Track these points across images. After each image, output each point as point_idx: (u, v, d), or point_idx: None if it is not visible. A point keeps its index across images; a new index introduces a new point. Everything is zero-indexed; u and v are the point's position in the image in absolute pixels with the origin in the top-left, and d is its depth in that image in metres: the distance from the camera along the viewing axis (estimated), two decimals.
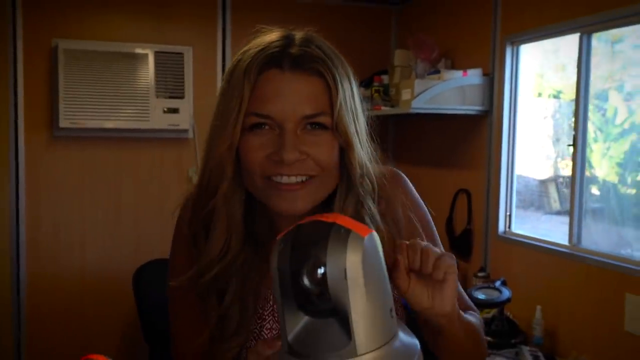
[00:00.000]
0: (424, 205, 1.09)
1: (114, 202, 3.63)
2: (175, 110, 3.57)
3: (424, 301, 0.85)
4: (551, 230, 3.19)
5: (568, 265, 2.73)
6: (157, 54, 3.52)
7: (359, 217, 0.94)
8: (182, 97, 3.59)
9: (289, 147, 0.85)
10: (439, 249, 0.94)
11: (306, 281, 0.65)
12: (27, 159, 3.45)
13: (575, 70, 2.76)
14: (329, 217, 0.67)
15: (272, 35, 0.92)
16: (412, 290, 0.85)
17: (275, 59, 0.87)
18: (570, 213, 2.80)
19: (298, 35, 0.92)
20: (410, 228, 1.02)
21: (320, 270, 0.64)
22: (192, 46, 3.65)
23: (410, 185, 1.09)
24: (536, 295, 2.86)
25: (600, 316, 2.57)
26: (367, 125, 0.97)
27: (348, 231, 0.64)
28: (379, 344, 0.65)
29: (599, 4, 2.58)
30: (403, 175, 1.09)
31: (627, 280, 2.43)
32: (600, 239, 2.76)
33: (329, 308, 0.65)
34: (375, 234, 0.67)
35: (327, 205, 0.95)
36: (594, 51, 2.73)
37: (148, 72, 3.50)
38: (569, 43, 2.89)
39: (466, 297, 1.10)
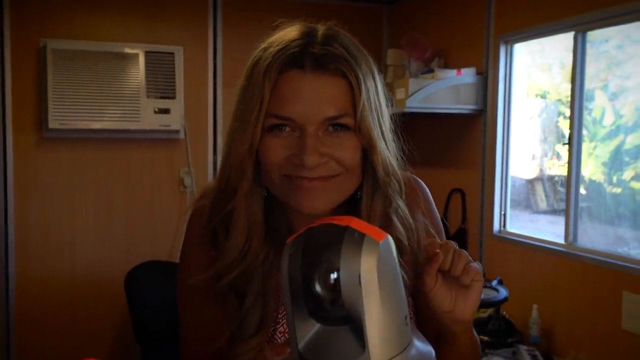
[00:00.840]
0: (439, 218, 1.08)
1: (105, 203, 3.59)
2: (166, 111, 3.53)
3: (445, 304, 0.84)
4: (539, 229, 3.19)
5: (564, 264, 2.73)
6: (147, 54, 3.48)
7: (387, 217, 0.92)
8: (173, 98, 3.55)
9: (310, 151, 0.82)
10: None
11: (318, 287, 0.62)
12: (16, 161, 3.39)
13: (561, 70, 2.77)
14: (342, 220, 0.63)
15: (293, 32, 0.88)
16: (437, 290, 0.83)
17: (297, 59, 0.84)
18: (565, 212, 2.80)
19: (320, 31, 0.88)
20: (428, 237, 1.00)
21: (333, 276, 0.61)
22: (183, 46, 3.61)
23: (429, 194, 1.07)
24: (532, 294, 2.86)
25: (597, 315, 2.56)
26: (392, 122, 0.94)
27: (362, 235, 0.61)
28: (393, 353, 0.62)
29: (593, 2, 2.58)
30: (422, 183, 1.07)
31: (624, 278, 2.43)
32: (592, 237, 2.77)
33: (342, 315, 0.62)
34: (390, 238, 0.64)
35: (353, 205, 0.93)
36: (586, 49, 2.73)
37: (138, 72, 3.46)
38: (555, 43, 2.90)
39: None
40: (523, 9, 2.96)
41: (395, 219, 0.93)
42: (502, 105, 3.14)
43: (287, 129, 0.85)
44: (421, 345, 0.69)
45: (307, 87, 0.83)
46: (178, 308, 1.05)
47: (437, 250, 0.83)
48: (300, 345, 0.64)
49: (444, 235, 1.07)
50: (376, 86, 0.88)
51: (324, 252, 0.62)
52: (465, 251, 0.85)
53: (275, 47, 0.85)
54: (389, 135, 0.91)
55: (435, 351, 0.89)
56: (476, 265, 0.83)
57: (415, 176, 1.05)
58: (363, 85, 0.83)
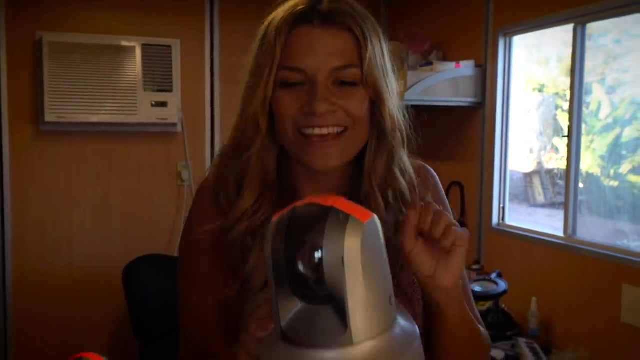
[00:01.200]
0: (449, 207, 1.09)
1: (102, 197, 3.57)
2: (163, 104, 3.51)
3: (425, 269, 0.82)
4: (537, 222, 3.20)
5: (563, 257, 2.73)
6: (144, 47, 3.46)
7: (390, 170, 0.95)
8: (170, 91, 3.53)
9: (320, 97, 0.86)
10: None
11: (301, 267, 0.62)
12: (12, 154, 3.37)
13: (559, 64, 2.77)
14: (327, 201, 0.63)
15: None
16: (416, 254, 0.81)
17: (306, 16, 0.89)
18: (565, 204, 2.80)
19: None
20: None
21: (317, 255, 0.61)
22: (180, 39, 3.59)
23: (439, 182, 1.08)
24: (531, 287, 2.86)
25: (597, 307, 2.56)
26: (398, 87, 0.98)
27: (347, 216, 0.61)
28: (376, 332, 0.62)
29: None
30: (432, 170, 1.09)
31: (624, 271, 2.43)
32: (592, 230, 2.77)
33: (325, 295, 0.62)
34: (376, 218, 0.64)
35: (358, 161, 0.96)
36: (586, 42, 2.73)
37: (135, 65, 3.44)
38: (552, 37, 2.90)
39: (476, 311, 1.06)
40: (522, 1, 2.95)
41: (397, 172, 0.96)
42: (501, 98, 3.14)
43: (298, 85, 0.89)
44: (405, 324, 0.67)
45: (316, 40, 0.88)
46: (178, 285, 1.05)
47: (412, 210, 0.82)
48: (283, 323, 0.64)
49: None
50: (382, 48, 0.92)
51: (307, 233, 0.62)
52: (448, 214, 0.82)
53: (285, 10, 0.91)
54: (395, 95, 0.94)
55: (433, 336, 0.88)
56: (460, 229, 0.81)
57: (426, 164, 1.07)
58: (369, 41, 0.88)
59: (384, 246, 0.65)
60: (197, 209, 1.03)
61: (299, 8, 0.89)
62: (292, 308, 0.65)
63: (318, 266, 0.61)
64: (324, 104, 0.86)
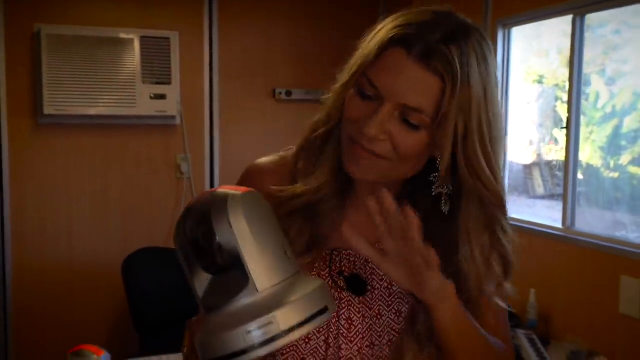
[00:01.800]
0: None
1: (101, 190, 3.57)
2: (162, 97, 3.51)
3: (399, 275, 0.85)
4: (537, 214, 3.20)
5: (562, 249, 2.73)
6: (142, 39, 3.45)
7: (492, 235, 0.92)
8: (169, 83, 3.53)
9: (375, 121, 0.85)
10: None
11: (202, 243, 0.72)
12: (11, 147, 3.37)
13: (559, 55, 2.77)
14: (215, 188, 0.77)
15: (424, 15, 0.88)
16: (388, 260, 0.84)
17: (409, 41, 0.85)
18: (563, 196, 2.80)
19: (452, 25, 0.87)
20: None
21: (210, 229, 0.71)
22: (179, 31, 3.58)
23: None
24: (530, 278, 2.86)
25: (595, 299, 2.57)
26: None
27: (226, 193, 0.73)
28: (277, 280, 0.71)
29: None
30: None
31: (622, 262, 2.43)
32: (590, 221, 2.77)
33: (229, 262, 0.71)
34: (256, 192, 0.76)
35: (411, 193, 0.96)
36: (585, 33, 2.73)
37: (134, 57, 3.43)
38: (552, 28, 2.89)
39: (505, 331, 1.04)
40: None
41: (502, 239, 0.92)
42: (500, 89, 3.13)
43: (372, 98, 0.87)
44: (312, 277, 0.77)
45: (402, 68, 0.85)
46: None
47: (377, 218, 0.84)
48: (201, 296, 0.74)
49: None
50: (486, 99, 0.86)
51: (200, 214, 0.73)
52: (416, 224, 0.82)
53: (402, 21, 0.87)
54: (497, 153, 0.89)
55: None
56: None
57: None
58: (458, 92, 0.83)
59: (268, 209, 0.76)
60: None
61: (408, 30, 0.86)
62: (204, 282, 0.74)
63: (212, 237, 0.71)
64: (375, 129, 0.85)
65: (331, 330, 0.95)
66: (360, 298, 0.96)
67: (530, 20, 2.97)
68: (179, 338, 3.08)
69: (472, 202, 0.90)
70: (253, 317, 0.68)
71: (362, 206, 0.97)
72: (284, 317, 0.68)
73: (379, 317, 0.96)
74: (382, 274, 0.96)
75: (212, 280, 0.74)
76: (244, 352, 0.68)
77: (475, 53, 0.85)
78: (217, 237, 0.71)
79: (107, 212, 3.59)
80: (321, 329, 0.95)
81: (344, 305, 0.96)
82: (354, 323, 0.95)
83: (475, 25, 0.90)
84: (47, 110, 3.30)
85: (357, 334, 0.95)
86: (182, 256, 0.76)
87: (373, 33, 0.90)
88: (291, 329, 0.68)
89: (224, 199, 0.72)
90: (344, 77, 0.91)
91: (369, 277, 0.97)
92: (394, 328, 0.95)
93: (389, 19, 0.90)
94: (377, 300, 0.96)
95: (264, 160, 1.05)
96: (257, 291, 0.70)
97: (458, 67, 0.83)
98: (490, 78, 0.87)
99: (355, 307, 0.96)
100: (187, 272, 0.75)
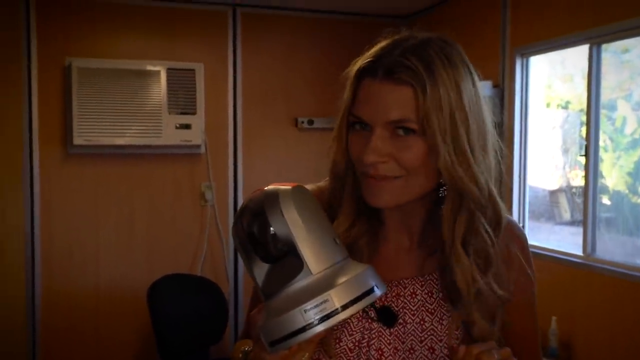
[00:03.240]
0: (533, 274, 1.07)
1: (127, 218, 3.65)
2: (187, 126, 3.60)
3: None
4: (563, 240, 3.18)
5: (583, 276, 2.73)
6: (168, 71, 3.56)
7: (470, 227, 0.94)
8: (194, 113, 3.62)
9: (369, 150, 0.91)
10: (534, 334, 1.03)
11: (259, 236, 0.79)
12: (42, 176, 3.48)
13: (583, 80, 2.78)
14: (267, 187, 0.83)
15: (382, 43, 0.96)
16: None
17: (372, 69, 0.93)
18: (583, 223, 2.80)
19: (409, 42, 0.93)
20: (518, 292, 1.01)
21: (265, 222, 0.78)
22: (204, 62, 3.69)
23: (527, 242, 1.07)
24: (551, 306, 2.85)
25: (617, 327, 2.55)
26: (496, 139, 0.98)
27: (276, 189, 0.81)
28: (328, 264, 0.78)
29: (608, 16, 2.59)
30: (520, 228, 1.08)
31: None
32: (612, 248, 2.75)
33: (284, 250, 0.78)
34: (302, 186, 0.84)
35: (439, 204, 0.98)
36: (602, 61, 2.74)
37: (160, 88, 3.53)
38: (577, 53, 2.90)
39: (538, 345, 1.07)
40: (538, 22, 2.98)
41: (481, 229, 0.95)
42: (519, 117, 3.16)
43: (362, 127, 0.94)
44: (359, 263, 0.83)
45: (376, 92, 0.92)
46: None
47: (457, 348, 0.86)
48: (260, 284, 0.80)
49: (535, 295, 1.06)
50: (460, 98, 0.91)
51: (255, 209, 0.80)
52: (494, 349, 0.85)
53: (366, 56, 0.95)
54: (475, 150, 0.92)
55: None
56: None
57: (512, 220, 1.05)
58: (429, 94, 0.88)
59: (315, 202, 0.84)
60: None
61: (366, 61, 0.93)
62: (263, 272, 0.80)
63: (267, 228, 0.78)
64: (372, 155, 0.90)
65: (361, 358, 0.97)
66: (392, 330, 0.97)
67: (547, 50, 3.00)
68: None
69: (455, 197, 0.94)
70: (309, 297, 0.74)
71: (391, 240, 1.02)
72: (338, 295, 0.74)
73: (411, 351, 0.97)
74: (414, 308, 0.98)
75: (269, 269, 0.80)
76: (304, 329, 0.73)
77: (438, 57, 0.91)
78: (272, 228, 0.78)
79: (133, 239, 3.66)
80: (351, 357, 0.97)
81: (374, 335, 0.97)
82: (384, 354, 0.97)
83: (437, 35, 0.96)
84: (77, 140, 3.40)
85: None
86: (240, 250, 0.83)
87: (348, 74, 0.97)
88: (345, 306, 0.74)
89: (276, 194, 0.80)
90: (336, 121, 0.98)
91: (401, 310, 0.98)
92: None
93: (354, 63, 0.97)
94: (409, 335, 0.97)
95: (307, 186, 1.10)
96: (312, 274, 0.77)
97: (422, 71, 0.89)
98: (462, 78, 0.92)
99: (386, 339, 0.97)
100: (246, 264, 0.82)
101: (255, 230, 0.80)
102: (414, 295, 0.98)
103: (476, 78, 0.95)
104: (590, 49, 2.73)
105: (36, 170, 3.46)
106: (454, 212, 0.94)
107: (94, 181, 3.59)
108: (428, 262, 0.99)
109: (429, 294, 0.98)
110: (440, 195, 0.96)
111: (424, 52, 0.91)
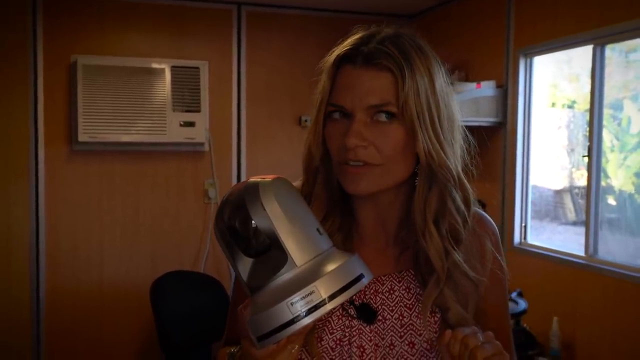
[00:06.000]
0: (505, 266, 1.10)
1: (132, 214, 3.67)
2: (191, 124, 3.61)
3: None
4: (567, 241, 3.18)
5: (585, 277, 2.73)
6: (173, 69, 3.57)
7: (443, 207, 0.97)
8: (198, 111, 3.63)
9: (351, 133, 0.92)
10: (507, 320, 1.07)
11: (240, 229, 0.78)
12: (47, 173, 3.50)
13: (590, 80, 2.77)
14: (249, 179, 0.84)
15: (357, 35, 0.99)
16: None
17: (350, 56, 0.95)
18: (586, 224, 2.79)
19: (383, 34, 0.97)
20: (493, 284, 1.04)
21: (246, 215, 0.78)
22: (208, 60, 3.70)
23: (494, 225, 1.10)
24: (553, 306, 2.86)
25: (619, 328, 2.55)
26: (458, 127, 1.01)
27: (257, 181, 0.81)
28: (314, 254, 0.78)
29: (612, 16, 2.59)
30: (492, 221, 1.11)
31: None
32: (616, 249, 2.75)
33: (266, 243, 0.78)
34: (283, 178, 0.83)
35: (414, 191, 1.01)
36: (607, 61, 2.74)
37: (165, 86, 3.55)
38: (583, 53, 2.90)
39: (511, 338, 1.10)
40: (542, 22, 2.98)
41: (452, 209, 0.98)
42: (522, 117, 3.16)
43: (342, 116, 0.95)
44: (345, 251, 0.82)
45: (355, 79, 0.94)
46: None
47: (443, 344, 0.89)
48: (245, 279, 0.79)
49: (506, 285, 1.09)
50: (434, 84, 0.95)
51: (235, 202, 0.80)
52: (478, 334, 0.88)
53: (342, 46, 0.98)
54: (440, 130, 0.95)
55: None
56: (486, 350, 0.86)
57: (483, 213, 1.09)
58: (408, 79, 0.92)
59: (296, 192, 0.84)
60: None
61: (346, 49, 0.96)
62: (247, 266, 0.79)
63: (248, 221, 0.77)
64: (354, 138, 0.91)
65: (343, 356, 0.98)
66: (372, 327, 0.98)
67: (551, 50, 3.00)
68: (204, 358, 3.14)
69: (426, 179, 0.97)
70: (295, 289, 0.74)
71: (367, 240, 1.03)
72: (324, 286, 0.74)
73: (391, 347, 0.98)
74: (392, 304, 1.00)
75: (253, 263, 0.79)
76: (291, 322, 0.73)
77: (410, 45, 0.95)
78: (253, 221, 0.77)
79: (136, 235, 3.68)
80: (333, 356, 0.98)
81: (355, 333, 0.98)
82: (366, 351, 0.98)
83: (404, 29, 1.00)
84: (82, 137, 3.42)
85: None
86: (223, 244, 0.82)
87: (320, 71, 0.99)
88: (332, 296, 0.74)
89: (256, 186, 0.79)
90: (312, 114, 0.99)
91: (380, 307, 0.99)
92: (408, 359, 0.98)
93: (329, 54, 1.00)
94: (389, 331, 0.99)
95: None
96: (296, 266, 0.76)
97: (400, 58, 0.92)
98: (433, 67, 0.96)
99: (366, 336, 0.98)
100: (229, 259, 0.81)
101: (237, 224, 0.79)
102: (391, 292, 1.00)
103: (444, 70, 0.99)
104: (594, 50, 2.73)
105: (41, 167, 3.49)
106: (425, 192, 0.97)
107: (99, 178, 3.61)
108: (403, 258, 1.02)
109: (407, 290, 1.00)
110: (415, 184, 0.99)
111: (400, 42, 0.95)
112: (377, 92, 0.92)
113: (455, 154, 0.99)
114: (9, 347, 3.40)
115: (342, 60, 0.96)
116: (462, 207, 1.00)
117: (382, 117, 0.93)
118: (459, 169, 0.99)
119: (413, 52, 0.94)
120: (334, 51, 0.99)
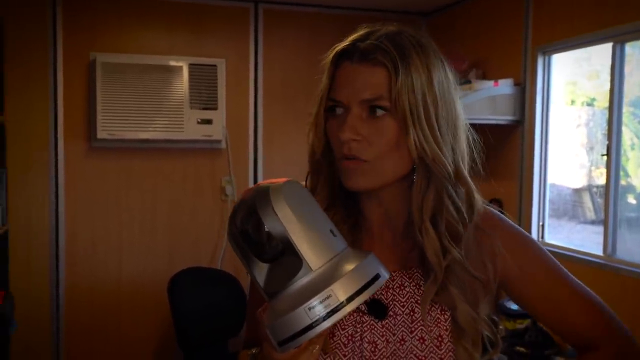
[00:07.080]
0: (528, 237, 1.10)
1: (149, 211, 3.70)
2: (208, 121, 3.63)
3: None
4: (585, 240, 3.15)
5: (603, 276, 2.71)
6: (191, 66, 3.59)
7: (440, 204, 0.98)
8: (215, 109, 3.65)
9: (346, 127, 0.94)
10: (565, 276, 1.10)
11: (253, 234, 0.78)
12: (67, 170, 3.54)
13: (609, 77, 2.75)
14: (260, 183, 0.83)
15: (356, 32, 1.01)
16: None
17: (348, 53, 0.98)
18: (604, 223, 2.78)
19: (383, 30, 0.99)
20: (517, 260, 1.06)
21: (259, 220, 0.77)
22: (226, 58, 3.72)
23: (508, 221, 1.10)
24: None
25: (637, 327, 2.53)
26: (463, 125, 1.01)
27: (267, 186, 0.80)
28: (327, 258, 0.77)
29: (631, 14, 2.57)
30: (498, 214, 1.11)
31: None
32: (635, 249, 2.73)
33: (280, 248, 0.77)
34: (293, 180, 0.82)
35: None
36: (628, 58, 2.72)
37: (182, 84, 3.57)
38: (602, 50, 2.87)
39: (576, 288, 1.13)
40: (560, 20, 2.96)
41: (450, 207, 0.98)
42: (540, 115, 3.14)
43: (341, 111, 0.98)
44: (360, 251, 0.82)
45: (352, 74, 0.97)
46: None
47: None
48: (262, 285, 0.79)
49: (542, 253, 1.10)
50: (431, 82, 0.95)
51: (247, 208, 0.79)
52: None
53: (342, 43, 1.00)
54: (443, 131, 0.96)
55: None
56: None
57: (490, 208, 1.08)
58: (401, 75, 0.93)
59: (309, 195, 0.84)
60: None
61: (343, 45, 0.99)
62: (263, 272, 0.79)
63: (261, 226, 0.77)
64: (348, 132, 0.94)
65: (355, 352, 0.99)
66: (383, 322, 0.99)
67: (569, 48, 2.98)
68: (221, 355, 3.17)
69: (423, 176, 0.98)
70: (312, 294, 0.73)
71: (375, 235, 1.05)
72: (341, 289, 0.74)
73: (402, 342, 0.99)
74: (403, 300, 1.01)
75: (269, 269, 0.79)
76: (310, 326, 0.73)
77: (409, 42, 0.96)
78: (266, 226, 0.77)
79: (154, 232, 3.71)
80: (346, 352, 0.99)
81: (366, 329, 0.99)
82: (378, 347, 0.99)
83: (412, 28, 1.01)
84: (100, 134, 3.45)
85: (382, 357, 0.98)
86: (237, 250, 0.82)
87: (323, 67, 1.02)
88: (351, 298, 0.74)
89: (266, 190, 0.79)
90: (314, 109, 1.02)
91: (391, 302, 1.00)
92: (418, 355, 0.99)
93: (330, 51, 1.02)
94: (400, 326, 1.00)
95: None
96: (312, 270, 0.76)
97: (395, 53, 0.94)
98: (433, 65, 0.96)
99: (378, 331, 0.99)
100: (245, 265, 0.81)
101: (249, 229, 0.79)
102: (402, 287, 1.01)
103: (448, 69, 1.00)
104: (614, 47, 2.71)
105: (61, 164, 3.52)
106: (423, 189, 0.98)
107: (117, 175, 3.64)
108: (410, 256, 1.02)
109: (417, 287, 1.01)
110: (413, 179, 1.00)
111: (398, 39, 0.97)
112: (371, 86, 0.94)
113: (457, 152, 0.99)
114: (29, 345, 3.44)
115: (340, 56, 0.99)
116: (462, 205, 1.00)
117: (377, 113, 0.94)
118: (461, 166, 0.99)
119: (411, 49, 0.95)
120: (334, 47, 1.01)
